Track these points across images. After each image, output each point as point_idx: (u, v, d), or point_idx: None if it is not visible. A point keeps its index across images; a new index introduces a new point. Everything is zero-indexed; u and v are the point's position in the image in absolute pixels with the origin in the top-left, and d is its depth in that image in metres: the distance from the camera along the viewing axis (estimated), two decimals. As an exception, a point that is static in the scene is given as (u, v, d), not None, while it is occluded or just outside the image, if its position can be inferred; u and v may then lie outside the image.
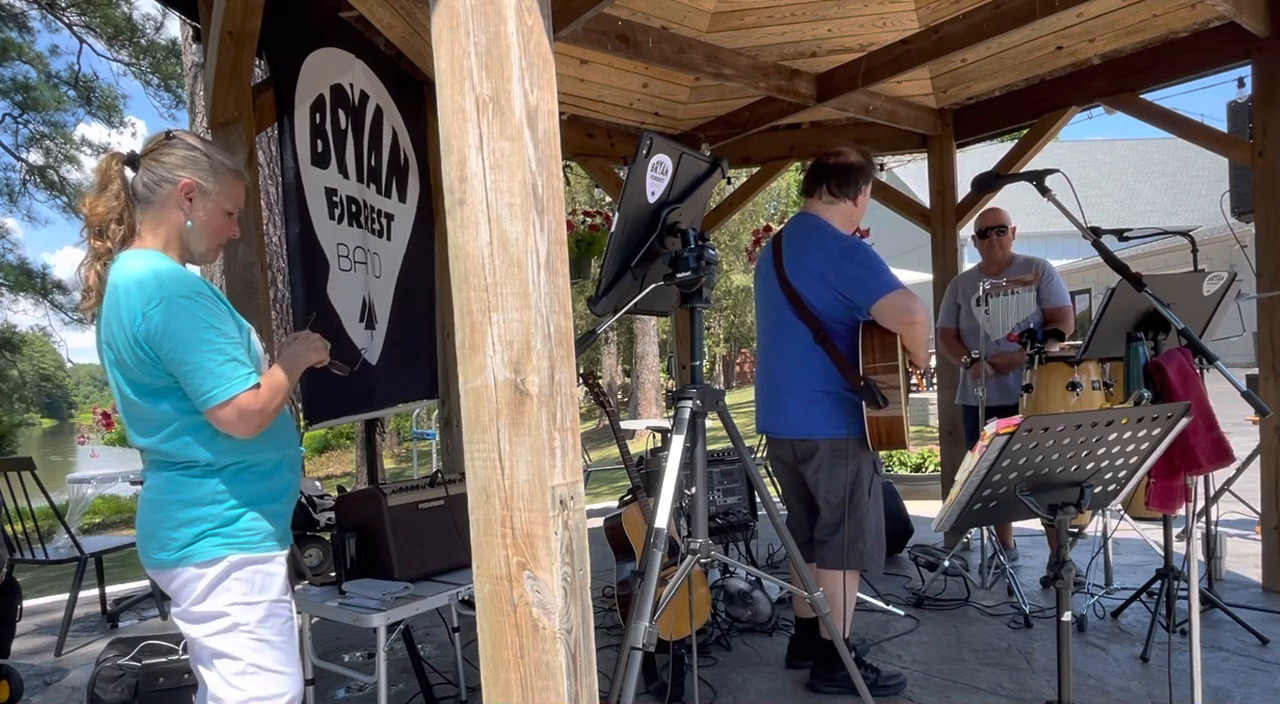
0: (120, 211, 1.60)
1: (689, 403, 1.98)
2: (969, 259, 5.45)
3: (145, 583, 4.68)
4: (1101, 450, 1.64)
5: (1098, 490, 1.72)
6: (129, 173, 1.62)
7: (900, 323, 2.56)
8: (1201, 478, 3.34)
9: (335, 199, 3.08)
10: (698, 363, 2.04)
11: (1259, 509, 3.71)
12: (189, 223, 1.64)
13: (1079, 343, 3.24)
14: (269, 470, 1.67)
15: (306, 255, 2.92)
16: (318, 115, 3.05)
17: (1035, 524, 4.59)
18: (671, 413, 2.04)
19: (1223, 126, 4.37)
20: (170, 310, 1.50)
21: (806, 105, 4.24)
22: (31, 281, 16.97)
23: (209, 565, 1.58)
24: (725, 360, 30.81)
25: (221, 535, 1.59)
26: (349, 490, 2.89)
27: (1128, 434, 1.63)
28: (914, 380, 2.86)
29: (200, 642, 1.61)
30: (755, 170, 5.32)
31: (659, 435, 5.88)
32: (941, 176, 4.85)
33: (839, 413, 2.67)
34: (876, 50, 3.92)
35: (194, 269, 1.72)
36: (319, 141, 3.03)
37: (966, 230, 5.17)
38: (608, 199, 6.17)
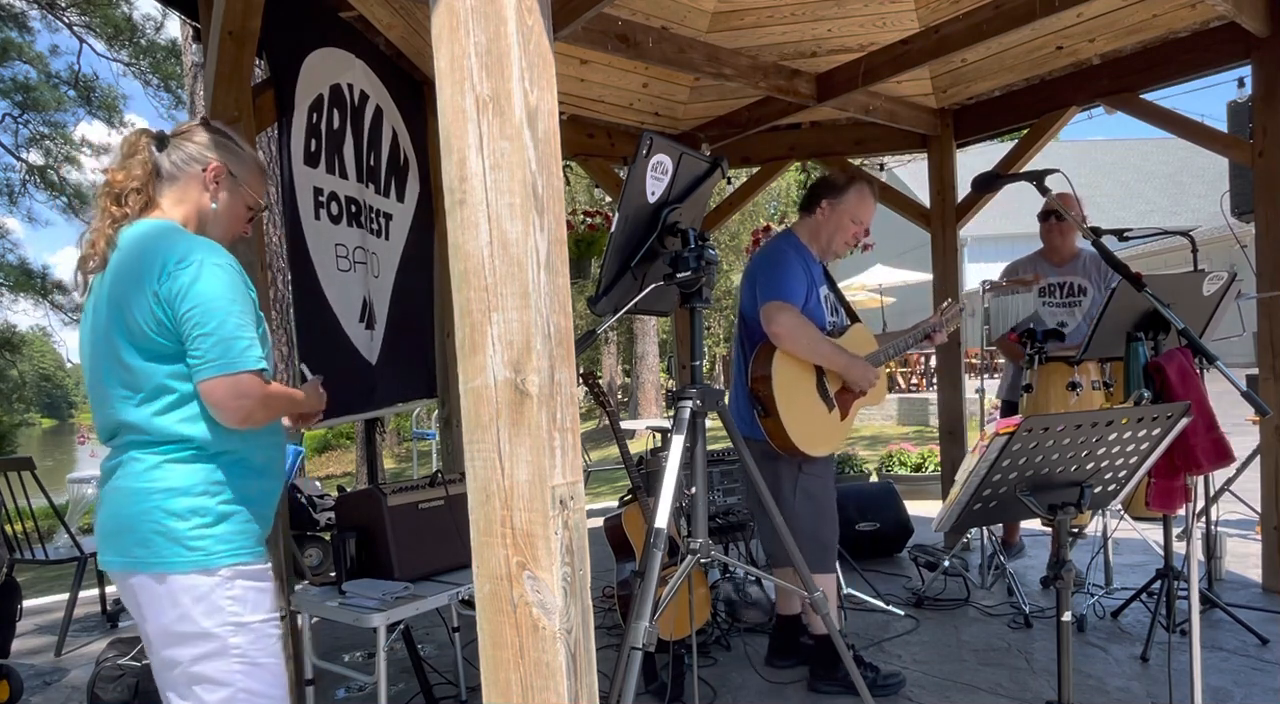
0: (143, 182, 1.56)
1: (689, 403, 1.98)
2: (969, 259, 5.45)
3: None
4: (1101, 450, 1.64)
5: (1098, 490, 1.72)
6: (155, 150, 1.60)
7: (768, 332, 2.66)
8: (1201, 478, 3.34)
9: (321, 198, 3.08)
10: (698, 363, 2.04)
11: (1259, 509, 3.71)
12: (214, 205, 1.62)
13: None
14: (259, 469, 1.57)
15: (294, 254, 2.93)
16: (314, 115, 3.05)
17: (1036, 524, 4.59)
18: (671, 413, 2.04)
19: (1223, 126, 4.36)
20: (200, 273, 1.44)
21: (806, 105, 4.24)
22: (31, 282, 16.95)
23: (204, 573, 1.46)
24: (725, 360, 30.81)
25: (216, 537, 1.47)
26: (349, 490, 2.89)
27: (1128, 434, 1.63)
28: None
29: (181, 664, 1.47)
30: (755, 170, 5.32)
31: (659, 435, 5.88)
32: (941, 176, 4.85)
33: (752, 411, 2.73)
34: (876, 50, 3.92)
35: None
36: (313, 141, 3.03)
37: (966, 230, 5.19)
38: (608, 199, 6.16)
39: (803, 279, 2.76)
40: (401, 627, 2.59)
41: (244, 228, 1.71)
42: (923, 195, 5.22)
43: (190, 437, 1.48)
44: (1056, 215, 3.80)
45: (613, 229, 1.89)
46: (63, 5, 14.96)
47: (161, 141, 1.60)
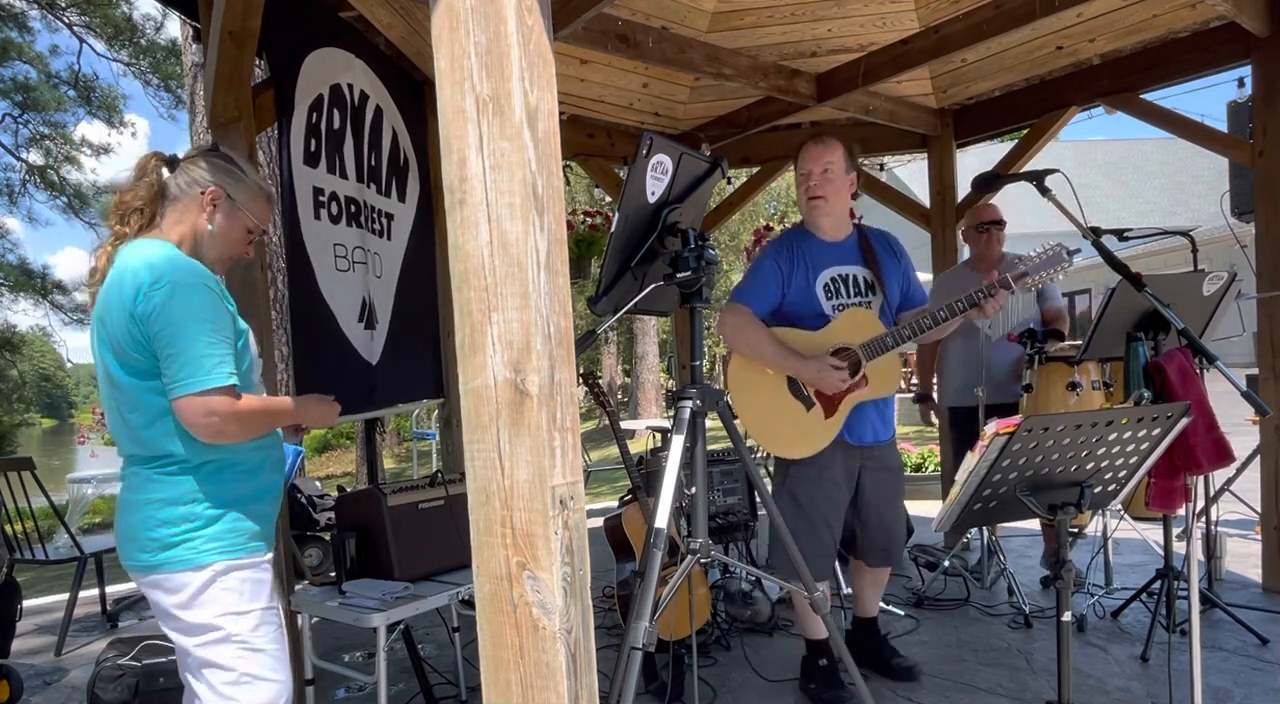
0: (145, 202, 1.65)
1: (689, 403, 1.98)
2: (969, 259, 5.44)
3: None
4: (1101, 450, 1.64)
5: (1098, 490, 1.72)
6: (164, 172, 1.68)
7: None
8: (1201, 478, 3.34)
9: (321, 198, 3.08)
10: (698, 363, 2.04)
11: (1259, 509, 3.71)
12: (210, 226, 1.69)
13: (1078, 343, 3.24)
14: (249, 470, 1.65)
15: (293, 254, 2.93)
16: (314, 115, 3.04)
17: (1035, 524, 4.59)
18: (671, 413, 2.04)
19: (1223, 126, 4.36)
20: (173, 294, 1.51)
21: (806, 105, 4.24)
22: (31, 281, 16.97)
23: (195, 571, 1.55)
24: (725, 360, 30.84)
25: (205, 537, 1.56)
26: (349, 490, 2.89)
27: (1128, 434, 1.63)
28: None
29: (191, 652, 1.59)
30: (755, 170, 5.32)
31: (659, 435, 5.88)
32: (941, 176, 4.85)
33: None
34: (876, 50, 3.92)
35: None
36: (313, 141, 3.03)
37: (966, 230, 5.17)
38: (608, 199, 6.16)
39: (770, 275, 2.65)
40: (401, 627, 2.59)
41: (244, 249, 1.79)
42: (923, 195, 5.22)
43: (172, 452, 1.57)
44: (997, 225, 3.86)
45: (613, 229, 1.89)
46: (63, 5, 14.96)
47: (172, 164, 1.69)
